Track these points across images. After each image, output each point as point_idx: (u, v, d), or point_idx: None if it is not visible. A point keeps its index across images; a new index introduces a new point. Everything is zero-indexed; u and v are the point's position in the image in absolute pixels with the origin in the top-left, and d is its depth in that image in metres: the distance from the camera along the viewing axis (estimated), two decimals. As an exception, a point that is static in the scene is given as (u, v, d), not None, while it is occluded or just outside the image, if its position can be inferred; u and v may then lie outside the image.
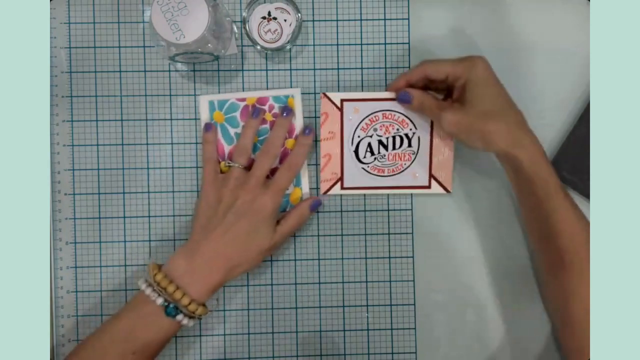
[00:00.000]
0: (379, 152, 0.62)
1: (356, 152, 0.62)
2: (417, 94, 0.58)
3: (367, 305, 0.63)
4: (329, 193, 0.62)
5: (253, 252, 0.57)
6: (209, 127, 0.61)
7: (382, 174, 0.62)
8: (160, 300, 0.53)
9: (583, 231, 0.53)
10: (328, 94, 0.62)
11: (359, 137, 0.62)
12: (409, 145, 0.62)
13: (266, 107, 0.62)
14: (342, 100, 0.62)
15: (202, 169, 0.60)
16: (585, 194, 0.61)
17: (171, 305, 0.53)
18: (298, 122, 0.62)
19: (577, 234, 0.53)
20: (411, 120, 0.62)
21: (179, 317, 0.53)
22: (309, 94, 0.62)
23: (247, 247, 0.56)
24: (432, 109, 0.57)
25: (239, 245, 0.56)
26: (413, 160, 0.62)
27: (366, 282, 0.63)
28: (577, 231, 0.53)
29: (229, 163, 0.58)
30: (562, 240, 0.53)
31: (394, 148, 0.62)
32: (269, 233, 0.57)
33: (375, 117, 0.62)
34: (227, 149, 0.62)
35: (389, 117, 0.62)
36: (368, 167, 0.62)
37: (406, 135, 0.62)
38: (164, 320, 0.53)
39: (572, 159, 0.61)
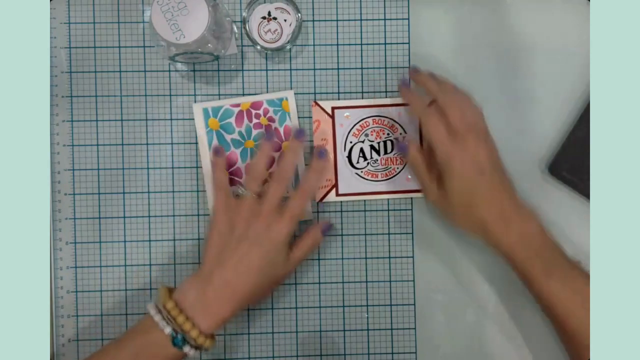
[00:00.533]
0: (371, 157, 0.62)
1: (349, 157, 0.62)
2: (414, 152, 0.58)
3: (367, 305, 0.63)
4: (324, 200, 0.62)
5: (267, 283, 0.55)
6: (217, 151, 0.59)
7: (375, 179, 0.62)
8: (168, 330, 0.51)
9: (578, 307, 0.52)
10: (319, 102, 0.62)
11: (351, 142, 0.62)
12: None
13: (261, 111, 0.62)
14: (333, 108, 0.62)
15: (212, 190, 0.59)
16: (585, 194, 0.61)
17: (179, 336, 0.52)
18: (294, 124, 0.62)
19: (572, 311, 0.52)
20: (401, 125, 0.62)
21: (186, 348, 0.52)
22: (308, 94, 0.62)
23: (261, 278, 0.54)
24: (421, 175, 0.58)
25: (253, 277, 0.54)
26: (405, 164, 0.62)
27: (366, 282, 0.63)
28: (572, 309, 0.52)
29: (241, 190, 0.56)
30: (559, 318, 0.53)
31: (385, 152, 0.62)
32: (283, 262, 0.55)
33: (365, 122, 0.62)
34: None
35: (379, 122, 0.62)
36: (362, 172, 0.62)
37: (397, 139, 0.62)
38: (169, 350, 0.52)
39: (572, 159, 0.61)
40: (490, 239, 0.55)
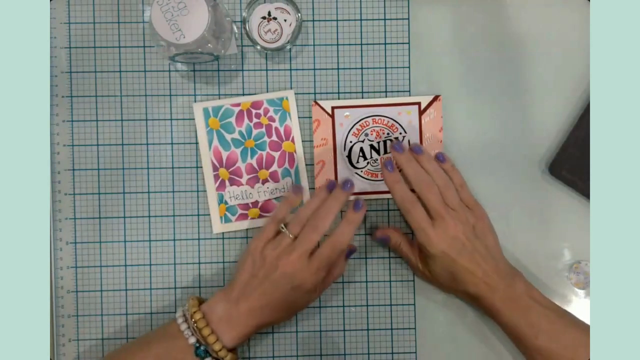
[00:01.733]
0: (371, 157, 0.62)
1: (349, 157, 0.62)
2: (395, 237, 0.60)
3: (367, 305, 0.63)
4: None
5: (290, 315, 0.58)
6: (298, 190, 0.59)
7: (375, 179, 0.62)
8: (192, 340, 0.53)
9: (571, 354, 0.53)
10: (319, 101, 0.62)
11: (350, 142, 0.62)
12: None
13: (261, 111, 0.62)
14: (333, 108, 0.62)
15: (265, 221, 0.58)
16: (585, 194, 0.61)
17: (202, 347, 0.53)
18: (294, 124, 0.62)
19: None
20: (400, 125, 0.62)
21: (207, 359, 0.54)
22: (308, 94, 0.62)
23: (283, 314, 0.57)
24: (405, 257, 0.60)
25: (274, 315, 0.56)
26: None
27: (366, 282, 0.63)
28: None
29: (282, 228, 0.56)
30: None
31: (385, 152, 0.62)
32: (307, 301, 0.57)
33: (365, 122, 0.62)
34: (224, 155, 0.62)
35: (379, 122, 0.62)
36: (361, 171, 0.62)
37: (396, 139, 0.62)
38: (191, 359, 0.53)
39: (572, 159, 0.61)
40: (476, 304, 0.58)
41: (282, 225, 0.56)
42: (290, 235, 0.55)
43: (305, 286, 0.55)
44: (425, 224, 0.55)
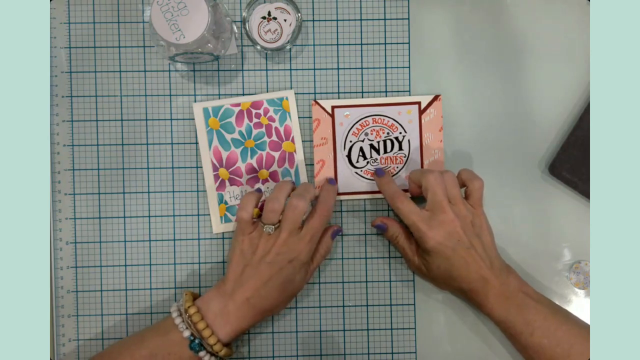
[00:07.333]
0: (371, 156, 0.62)
1: (349, 156, 0.62)
2: (393, 228, 0.60)
3: (367, 305, 0.63)
4: None
5: (286, 300, 0.57)
6: (260, 189, 0.60)
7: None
8: (187, 333, 0.53)
9: (564, 358, 0.53)
10: (319, 100, 0.62)
11: (350, 141, 0.62)
12: (400, 148, 0.62)
13: (261, 111, 0.62)
14: (333, 107, 0.62)
15: (235, 223, 0.58)
16: (585, 194, 0.61)
17: (196, 341, 0.53)
18: (294, 124, 0.62)
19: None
20: (400, 124, 0.62)
21: (202, 353, 0.54)
22: (308, 94, 0.62)
23: (281, 297, 0.56)
24: (401, 249, 0.60)
25: (273, 297, 0.56)
26: (405, 163, 0.62)
27: (366, 282, 0.63)
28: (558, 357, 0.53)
29: (261, 226, 0.56)
30: None
31: (385, 151, 0.62)
32: (302, 279, 0.58)
33: (365, 122, 0.62)
34: (224, 154, 0.62)
35: (379, 121, 0.62)
36: (361, 171, 0.62)
37: (396, 138, 0.62)
38: (186, 353, 0.54)
39: (572, 159, 0.61)
40: (471, 301, 0.58)
41: (261, 224, 0.56)
42: (270, 227, 0.56)
43: (301, 257, 0.56)
44: (416, 217, 0.56)
